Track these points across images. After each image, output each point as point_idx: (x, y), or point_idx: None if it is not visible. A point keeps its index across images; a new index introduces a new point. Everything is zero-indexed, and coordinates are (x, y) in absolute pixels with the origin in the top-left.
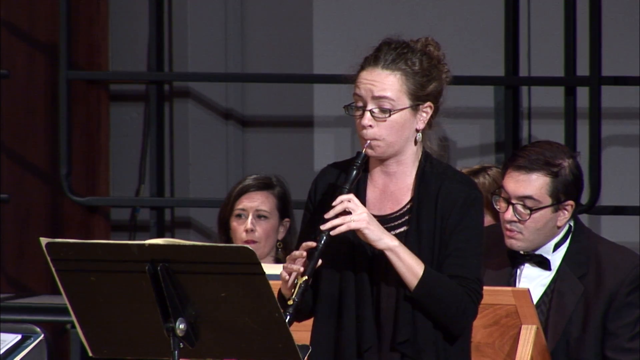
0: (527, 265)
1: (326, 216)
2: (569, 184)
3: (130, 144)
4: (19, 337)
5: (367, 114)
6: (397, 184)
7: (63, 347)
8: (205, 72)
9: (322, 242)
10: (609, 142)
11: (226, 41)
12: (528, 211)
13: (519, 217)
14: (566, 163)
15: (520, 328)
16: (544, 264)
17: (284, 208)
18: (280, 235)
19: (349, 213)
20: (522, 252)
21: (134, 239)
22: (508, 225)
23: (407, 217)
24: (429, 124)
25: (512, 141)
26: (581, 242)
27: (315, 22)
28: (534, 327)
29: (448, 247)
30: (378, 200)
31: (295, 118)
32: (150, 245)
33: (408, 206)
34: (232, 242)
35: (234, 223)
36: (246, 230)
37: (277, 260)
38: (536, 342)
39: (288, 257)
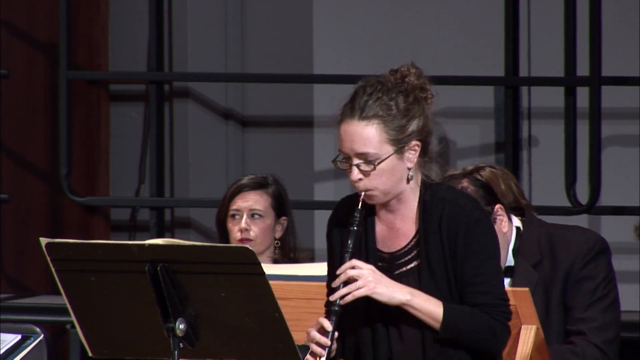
0: None
1: (333, 285)
2: (483, 195)
3: (130, 144)
4: (19, 337)
5: (355, 169)
6: (402, 219)
7: (63, 347)
8: (205, 72)
9: (334, 314)
10: (609, 142)
11: (226, 41)
12: None
13: None
14: (465, 182)
15: (520, 328)
16: (510, 272)
17: (279, 207)
18: (278, 234)
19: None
20: None
21: (134, 239)
22: None
23: (416, 252)
24: (424, 154)
25: (512, 141)
26: (532, 232)
27: (315, 22)
28: (534, 327)
29: (464, 275)
30: (386, 237)
31: (295, 118)
32: (150, 245)
33: (415, 240)
34: (230, 243)
35: (229, 224)
36: (240, 230)
37: (275, 261)
38: (536, 342)
39: (309, 337)
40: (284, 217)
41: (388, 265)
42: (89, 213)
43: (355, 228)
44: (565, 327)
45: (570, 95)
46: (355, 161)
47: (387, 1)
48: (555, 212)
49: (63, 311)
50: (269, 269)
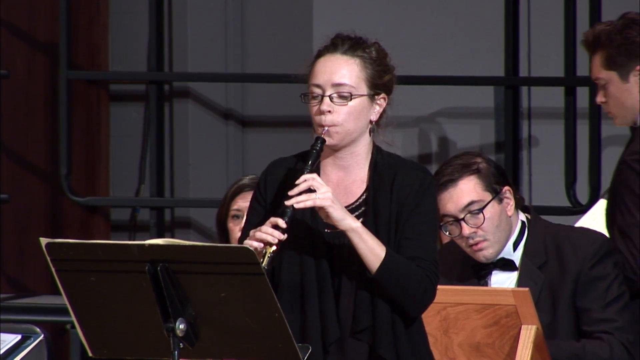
0: (494, 272)
1: (290, 193)
2: (494, 173)
3: (130, 144)
4: (19, 337)
5: (326, 100)
6: (350, 177)
7: (63, 347)
8: (205, 72)
9: (288, 216)
10: (609, 142)
11: (226, 41)
12: (479, 214)
13: (475, 224)
14: (479, 159)
15: (520, 328)
16: (509, 265)
17: None
18: None
19: (314, 191)
20: (486, 262)
21: (134, 239)
22: (471, 240)
23: (363, 209)
24: (380, 121)
25: (512, 141)
26: (537, 233)
27: (315, 22)
28: (534, 327)
29: (405, 230)
30: (334, 193)
31: (295, 118)
32: (150, 245)
33: (363, 197)
34: (230, 243)
35: (230, 224)
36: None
37: None
38: (536, 342)
39: (253, 230)
40: None
41: None
42: (89, 213)
43: (315, 152)
44: (578, 327)
45: (570, 95)
46: (329, 92)
47: (387, 1)
48: (555, 212)
49: (63, 311)
50: None
